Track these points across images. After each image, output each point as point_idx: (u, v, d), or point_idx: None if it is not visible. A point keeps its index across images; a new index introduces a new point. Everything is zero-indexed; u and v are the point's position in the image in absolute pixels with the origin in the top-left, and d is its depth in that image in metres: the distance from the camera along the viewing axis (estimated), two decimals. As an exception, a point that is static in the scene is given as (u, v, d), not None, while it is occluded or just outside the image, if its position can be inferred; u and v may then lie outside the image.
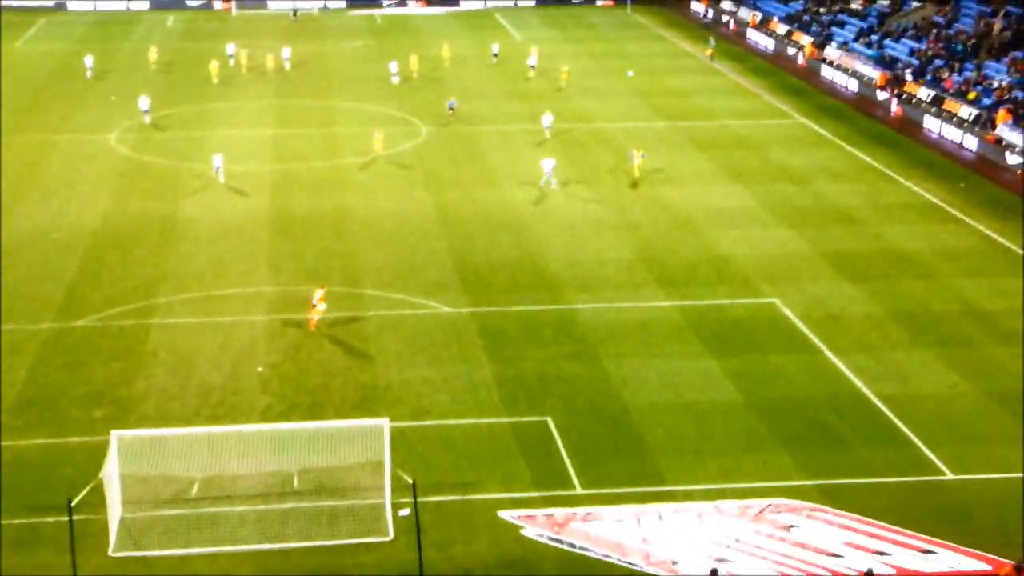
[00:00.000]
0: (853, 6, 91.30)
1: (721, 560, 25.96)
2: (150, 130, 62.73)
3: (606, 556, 26.43)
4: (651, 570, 26.01)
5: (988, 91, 65.81)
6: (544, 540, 26.99)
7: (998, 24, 73.73)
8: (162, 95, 69.65)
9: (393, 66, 75.29)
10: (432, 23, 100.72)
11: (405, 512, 27.14)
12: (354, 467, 28.13)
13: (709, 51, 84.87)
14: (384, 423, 28.11)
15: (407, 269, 43.45)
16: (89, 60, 76.51)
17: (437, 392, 33.94)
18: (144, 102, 64.07)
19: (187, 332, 37.89)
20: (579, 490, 29.13)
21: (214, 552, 26.26)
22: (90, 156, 57.90)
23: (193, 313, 39.36)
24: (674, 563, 26.18)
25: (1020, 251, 46.67)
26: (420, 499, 26.75)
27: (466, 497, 28.65)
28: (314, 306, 37.93)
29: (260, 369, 35.18)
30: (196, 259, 44.16)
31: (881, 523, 27.81)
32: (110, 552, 26.05)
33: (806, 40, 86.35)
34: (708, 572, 24.41)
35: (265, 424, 30.75)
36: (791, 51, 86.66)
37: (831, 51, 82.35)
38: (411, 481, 26.75)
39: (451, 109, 65.78)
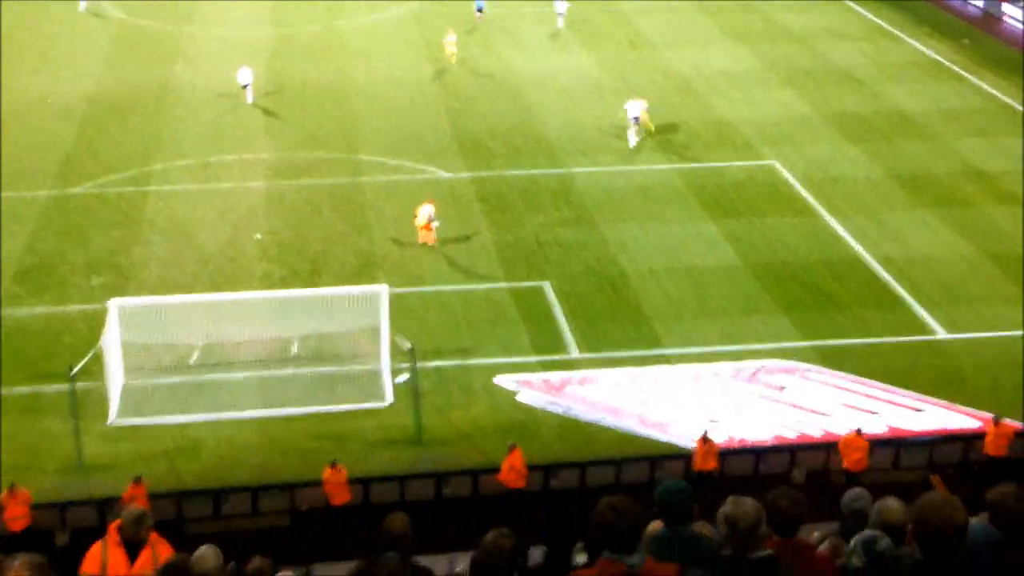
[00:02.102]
0: None
1: (714, 421, 26.36)
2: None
3: (601, 420, 26.83)
4: (645, 432, 26.45)
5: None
6: (541, 405, 27.37)
7: None
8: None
9: None
10: None
11: (404, 378, 27.47)
12: (353, 333, 28.33)
13: None
14: (383, 289, 28.25)
15: (405, 135, 43.11)
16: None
17: (435, 258, 34.02)
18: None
19: (185, 199, 37.84)
20: (576, 354, 29.42)
21: (215, 419, 26.68)
22: (83, 20, 56.95)
23: (191, 180, 39.24)
24: (668, 425, 26.59)
25: (1022, 109, 46.18)
26: (419, 364, 27.05)
27: (464, 362, 28.96)
28: (428, 225, 34.12)
29: (258, 236, 35.20)
30: (193, 125, 43.82)
31: (875, 382, 28.15)
32: (111, 419, 26.47)
33: None
34: (700, 434, 24.79)
35: (264, 291, 30.91)
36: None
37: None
38: (409, 346, 27.00)
39: (479, 11, 56.63)
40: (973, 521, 7.01)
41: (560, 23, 55.70)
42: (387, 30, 55.84)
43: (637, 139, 41.71)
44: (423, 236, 34.17)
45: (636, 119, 41.70)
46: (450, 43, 50.11)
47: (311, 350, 28.75)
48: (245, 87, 45.44)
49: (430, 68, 50.39)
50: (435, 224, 34.05)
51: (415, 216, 34.47)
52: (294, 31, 55.25)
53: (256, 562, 10.28)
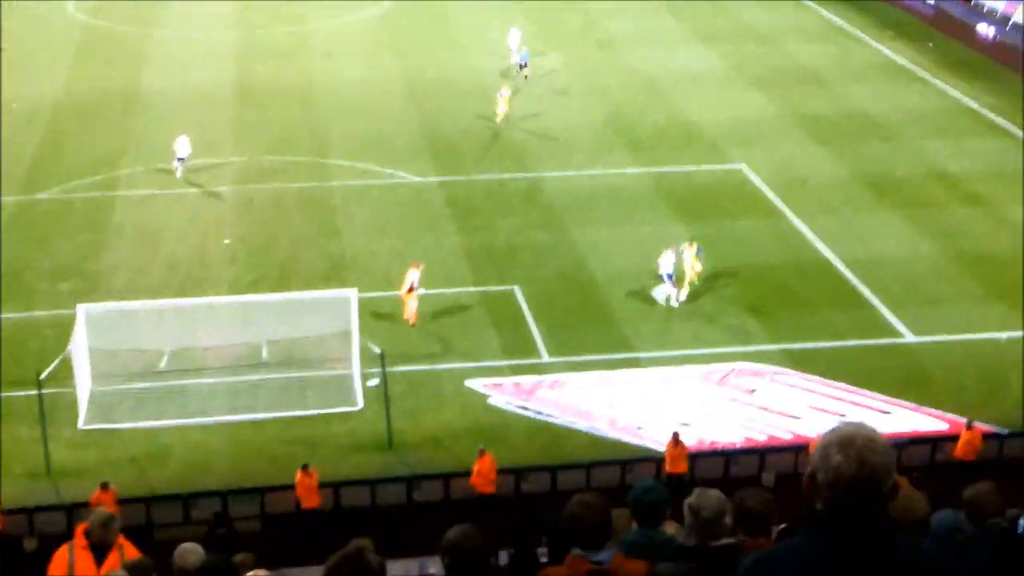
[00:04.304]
0: None
1: (685, 424, 26.50)
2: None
3: (572, 423, 26.93)
4: (616, 435, 26.57)
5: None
6: (512, 409, 27.44)
7: None
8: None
9: None
10: None
11: (374, 382, 27.45)
12: (323, 338, 28.31)
13: None
14: (352, 293, 28.22)
15: (374, 138, 43.09)
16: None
17: (405, 262, 33.89)
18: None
19: (153, 204, 37.68)
20: (546, 358, 29.50)
21: (184, 424, 26.59)
22: (48, 23, 56.57)
23: (159, 185, 39.06)
24: (639, 428, 26.71)
25: (985, 112, 46.68)
26: (389, 369, 27.04)
27: (435, 366, 28.98)
28: (411, 290, 30.65)
29: (226, 241, 35.10)
30: (160, 129, 43.53)
31: (843, 385, 28.38)
32: (80, 425, 26.32)
33: None
34: (671, 435, 24.90)
35: (233, 296, 30.81)
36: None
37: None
38: (379, 351, 26.99)
39: (523, 67, 48.78)
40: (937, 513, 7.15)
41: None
42: (356, 32, 55.78)
43: (677, 295, 31.99)
44: (406, 310, 30.60)
45: (670, 276, 31.73)
46: (503, 99, 44.09)
47: (281, 355, 28.70)
48: (180, 160, 39.03)
49: (399, 71, 50.38)
50: (419, 291, 30.43)
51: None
52: (262, 33, 55.10)
53: (240, 557, 10.37)
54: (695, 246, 32.08)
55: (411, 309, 30.42)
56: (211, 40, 54.00)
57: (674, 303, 31.69)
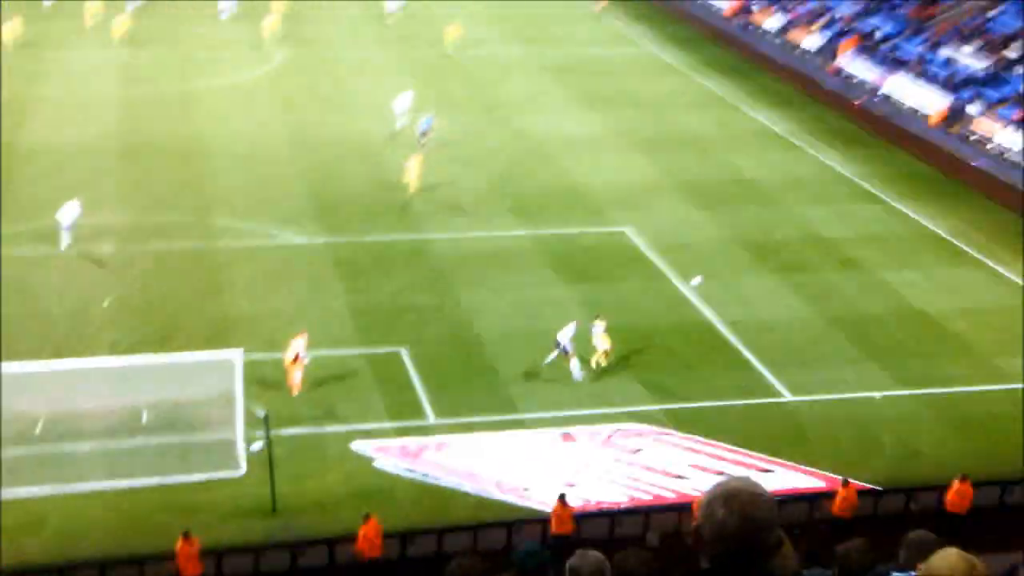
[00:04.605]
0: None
1: (571, 485, 26.64)
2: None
3: (459, 485, 26.87)
4: (502, 497, 26.57)
5: (833, 22, 67.41)
6: (398, 472, 27.29)
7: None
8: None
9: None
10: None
11: (258, 445, 27.04)
12: (206, 401, 27.83)
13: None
14: (236, 355, 27.87)
15: (260, 198, 42.82)
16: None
17: (290, 323, 33.63)
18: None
19: (32, 264, 36.76)
20: (433, 420, 29.46)
21: (61, 492, 25.83)
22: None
23: (38, 244, 38.14)
24: (525, 489, 26.77)
25: (857, 179, 48.35)
26: (273, 432, 26.69)
27: (320, 429, 28.72)
28: (296, 359, 30.03)
29: (106, 303, 34.39)
30: (40, 187, 42.66)
31: (725, 444, 28.87)
32: (-49, 494, 25.41)
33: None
34: (557, 497, 25.00)
35: (113, 357, 30.12)
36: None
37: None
38: (264, 413, 26.65)
39: (424, 134, 48.31)
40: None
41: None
42: (242, 91, 55.55)
43: (582, 372, 31.55)
44: (289, 379, 29.90)
45: (566, 350, 31.36)
46: (411, 167, 43.52)
47: (162, 419, 28.13)
48: (65, 229, 37.48)
49: (286, 130, 50.27)
50: (305, 360, 30.02)
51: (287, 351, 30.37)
52: (147, 90, 54.48)
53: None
54: (603, 322, 31.91)
55: (295, 379, 29.93)
56: (94, 95, 53.20)
57: (577, 376, 31.21)
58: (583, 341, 31.82)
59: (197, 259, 37.65)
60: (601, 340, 31.71)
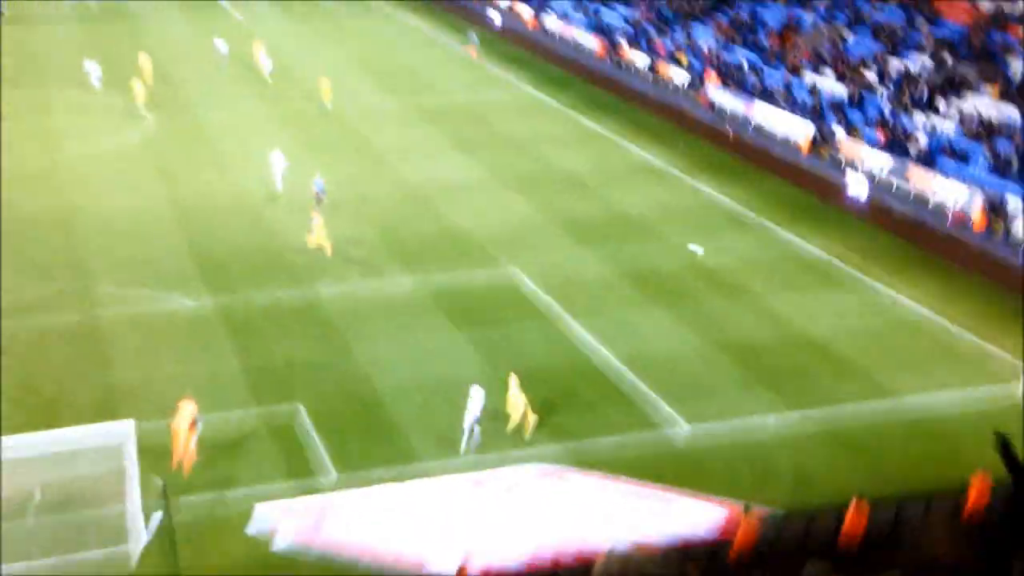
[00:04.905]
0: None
1: (470, 549, 26.09)
2: None
3: (358, 559, 26.20)
4: (402, 571, 25.98)
5: (697, 55, 69.15)
6: (297, 546, 26.51)
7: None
8: None
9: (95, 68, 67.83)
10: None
11: (157, 517, 26.50)
12: (99, 475, 27.19)
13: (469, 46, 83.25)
14: (127, 426, 27.33)
15: (143, 264, 42.10)
16: None
17: (183, 389, 32.97)
18: None
19: (-97, 347, 35.56)
20: (334, 476, 29.18)
21: (-47, 580, 25.00)
22: None
23: (-92, 325, 36.93)
24: (423, 562, 26.05)
25: (735, 208, 49.58)
26: (171, 501, 26.19)
27: (220, 494, 28.21)
28: (192, 425, 28.98)
29: (-11, 381, 33.42)
30: (-93, 267, 41.38)
31: (625, 479, 29.16)
32: None
33: (527, 12, 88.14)
34: (457, 566, 24.39)
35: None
36: (515, 24, 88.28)
37: (551, 21, 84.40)
38: (161, 483, 26.15)
39: (320, 193, 47.48)
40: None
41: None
42: (114, 157, 54.66)
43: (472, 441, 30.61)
44: (184, 448, 28.94)
45: (474, 422, 30.42)
46: (315, 227, 42.99)
47: (56, 496, 27.35)
48: None
49: (162, 194, 49.60)
50: (199, 427, 29.01)
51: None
52: (14, 160, 53.21)
53: None
54: (515, 378, 31.50)
55: (191, 446, 29.18)
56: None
57: (464, 446, 30.29)
58: (499, 401, 31.44)
59: (81, 330, 36.81)
60: (518, 399, 31.05)
